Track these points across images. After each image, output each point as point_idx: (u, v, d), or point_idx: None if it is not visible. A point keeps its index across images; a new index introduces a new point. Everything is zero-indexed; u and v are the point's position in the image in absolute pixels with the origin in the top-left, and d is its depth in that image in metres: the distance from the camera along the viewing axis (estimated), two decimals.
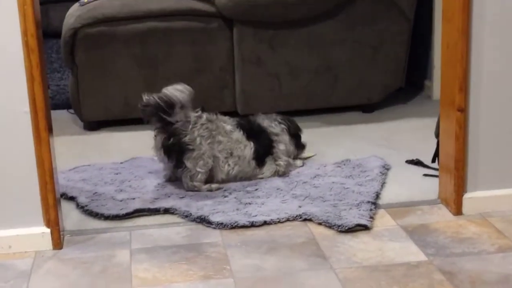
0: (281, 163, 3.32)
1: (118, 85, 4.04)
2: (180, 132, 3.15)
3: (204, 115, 3.21)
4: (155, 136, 3.21)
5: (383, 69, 4.18)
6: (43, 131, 2.63)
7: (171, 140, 3.15)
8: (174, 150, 3.16)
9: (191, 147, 3.15)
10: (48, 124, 2.66)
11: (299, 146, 3.49)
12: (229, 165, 3.23)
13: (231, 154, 3.24)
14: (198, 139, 3.15)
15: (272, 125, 3.39)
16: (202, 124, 3.18)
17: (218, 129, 3.23)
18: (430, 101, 4.38)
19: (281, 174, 3.31)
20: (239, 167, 3.25)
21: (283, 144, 3.37)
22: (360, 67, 4.14)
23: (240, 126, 3.31)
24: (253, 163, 3.27)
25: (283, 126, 3.42)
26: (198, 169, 3.16)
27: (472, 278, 2.45)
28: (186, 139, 3.14)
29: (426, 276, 2.47)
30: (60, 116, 4.21)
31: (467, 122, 2.84)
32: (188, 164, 3.15)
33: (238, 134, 3.27)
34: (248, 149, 3.26)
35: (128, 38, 3.97)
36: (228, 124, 3.29)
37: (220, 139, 3.22)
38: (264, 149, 3.30)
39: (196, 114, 3.18)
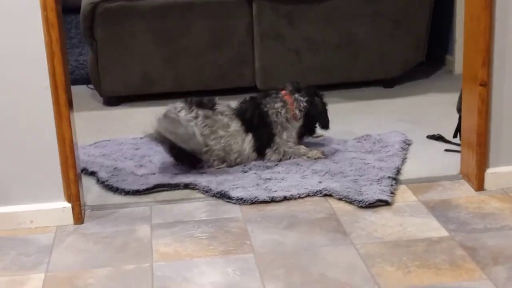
0: (281, 149, 3.20)
1: (138, 60, 4.03)
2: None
3: (200, 113, 3.13)
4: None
5: (404, 43, 4.14)
6: (64, 107, 2.63)
7: (175, 148, 3.11)
8: (183, 157, 3.13)
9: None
10: (69, 99, 2.66)
11: (311, 130, 3.32)
12: (231, 160, 3.19)
13: (232, 149, 3.17)
14: (201, 140, 3.10)
15: (281, 112, 3.20)
16: (201, 123, 3.11)
17: (217, 123, 3.16)
18: (451, 75, 4.34)
19: (286, 159, 3.21)
20: (241, 161, 3.20)
21: (287, 132, 3.22)
22: (381, 42, 4.10)
23: (238, 115, 3.20)
24: (254, 155, 3.21)
25: (305, 104, 3.21)
26: (213, 158, 3.15)
27: (494, 253, 2.43)
28: None
29: (448, 251, 2.46)
30: (80, 92, 4.20)
31: (489, 97, 2.81)
32: (203, 157, 3.13)
33: (236, 126, 3.19)
34: (246, 142, 3.19)
35: (147, 13, 3.96)
36: (225, 115, 3.19)
37: (221, 133, 3.16)
38: (263, 141, 3.20)
39: (192, 115, 3.12)
